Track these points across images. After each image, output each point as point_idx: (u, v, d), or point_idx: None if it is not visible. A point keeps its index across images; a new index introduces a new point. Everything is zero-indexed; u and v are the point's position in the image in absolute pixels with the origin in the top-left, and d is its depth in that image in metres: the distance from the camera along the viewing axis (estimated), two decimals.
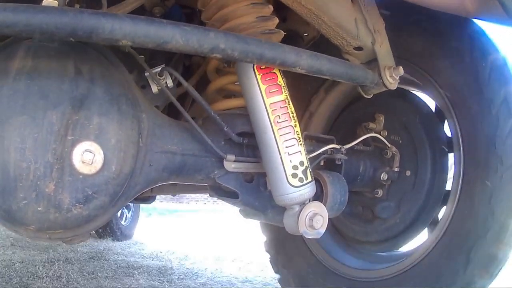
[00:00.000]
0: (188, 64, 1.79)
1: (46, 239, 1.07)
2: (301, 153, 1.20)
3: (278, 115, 1.18)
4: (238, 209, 1.42)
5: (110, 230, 4.71)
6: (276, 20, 1.29)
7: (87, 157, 1.00)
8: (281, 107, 1.19)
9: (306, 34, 1.79)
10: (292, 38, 1.71)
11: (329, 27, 1.22)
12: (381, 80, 1.31)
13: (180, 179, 1.28)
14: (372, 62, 1.33)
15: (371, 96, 1.41)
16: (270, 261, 2.10)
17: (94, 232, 4.60)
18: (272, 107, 1.18)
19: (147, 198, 2.22)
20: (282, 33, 1.31)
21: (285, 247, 1.99)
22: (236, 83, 1.40)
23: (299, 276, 1.89)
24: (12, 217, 0.99)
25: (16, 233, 1.04)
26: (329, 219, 1.25)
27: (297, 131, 1.20)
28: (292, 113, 1.21)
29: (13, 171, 0.95)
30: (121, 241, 4.79)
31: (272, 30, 1.27)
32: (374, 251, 1.77)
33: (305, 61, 1.07)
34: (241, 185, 1.33)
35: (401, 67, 1.31)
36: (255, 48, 0.99)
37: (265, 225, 2.13)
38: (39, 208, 0.98)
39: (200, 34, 0.92)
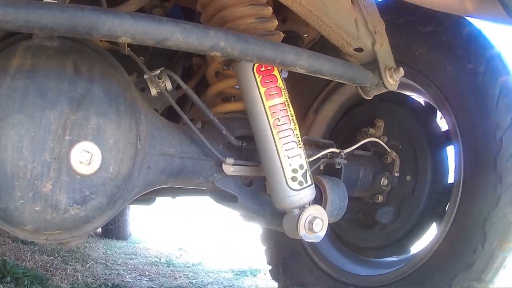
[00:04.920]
0: (187, 66, 1.79)
1: (43, 240, 1.06)
2: (300, 156, 1.20)
3: (278, 118, 1.18)
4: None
5: (110, 230, 4.74)
6: (276, 22, 1.30)
7: (85, 157, 1.00)
8: (280, 110, 1.18)
9: (306, 35, 1.80)
10: (292, 39, 1.72)
11: (329, 28, 1.22)
12: (381, 81, 1.30)
13: (178, 182, 1.27)
14: (372, 63, 1.32)
15: (371, 97, 1.40)
16: (270, 271, 2.07)
17: (92, 233, 4.60)
18: (272, 110, 1.18)
19: (147, 200, 2.21)
20: (282, 35, 1.32)
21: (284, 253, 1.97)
22: (235, 87, 1.40)
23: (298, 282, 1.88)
24: (9, 216, 0.98)
25: (13, 233, 1.03)
26: (328, 224, 1.24)
27: (296, 134, 1.20)
28: (292, 116, 1.20)
29: (10, 170, 0.95)
30: (122, 240, 4.82)
31: (271, 32, 1.28)
32: (374, 257, 1.76)
33: (305, 60, 1.06)
34: (240, 189, 1.32)
35: (401, 68, 1.31)
36: (255, 46, 0.99)
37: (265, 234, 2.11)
38: (36, 208, 0.98)
39: (200, 32, 0.92)
